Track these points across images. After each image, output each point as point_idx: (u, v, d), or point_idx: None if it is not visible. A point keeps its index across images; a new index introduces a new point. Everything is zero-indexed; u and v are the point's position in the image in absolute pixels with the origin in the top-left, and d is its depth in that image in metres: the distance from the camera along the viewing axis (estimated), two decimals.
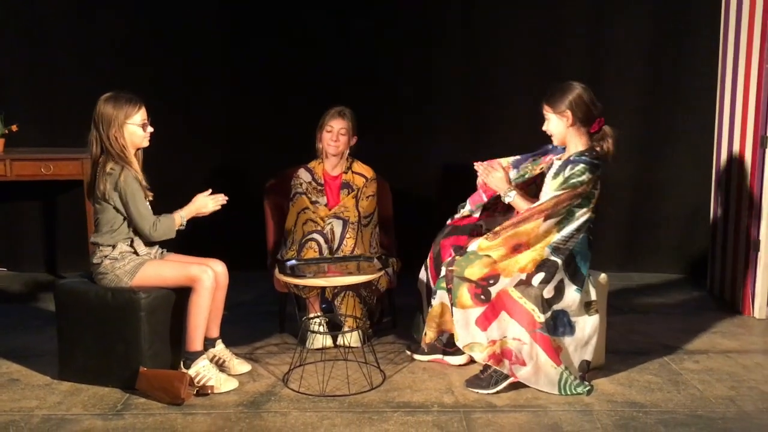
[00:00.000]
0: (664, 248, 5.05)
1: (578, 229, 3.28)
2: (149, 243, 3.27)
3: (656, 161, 4.95)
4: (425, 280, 3.54)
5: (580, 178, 3.21)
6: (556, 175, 3.29)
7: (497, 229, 3.31)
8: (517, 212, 3.38)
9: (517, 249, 3.27)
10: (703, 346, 3.77)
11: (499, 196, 3.46)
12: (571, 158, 3.27)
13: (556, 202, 3.22)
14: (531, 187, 3.49)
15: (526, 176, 3.46)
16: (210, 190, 3.36)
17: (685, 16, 4.76)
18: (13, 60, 4.82)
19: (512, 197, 3.38)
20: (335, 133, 3.87)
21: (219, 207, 3.34)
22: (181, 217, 3.28)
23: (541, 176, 3.44)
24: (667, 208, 5.00)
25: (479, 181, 3.50)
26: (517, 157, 3.53)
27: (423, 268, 3.57)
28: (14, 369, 3.43)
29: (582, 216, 3.28)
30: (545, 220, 3.22)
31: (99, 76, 4.62)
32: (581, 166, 3.23)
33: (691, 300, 4.55)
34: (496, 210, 3.57)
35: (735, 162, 4.34)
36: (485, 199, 3.50)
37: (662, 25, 4.80)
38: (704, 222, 4.79)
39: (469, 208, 3.54)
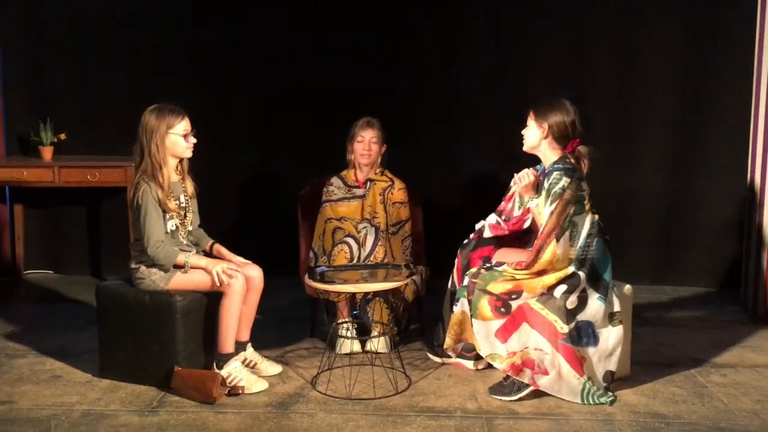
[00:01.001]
0: (697, 262, 5.03)
1: (589, 235, 3.31)
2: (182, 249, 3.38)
3: (689, 174, 4.94)
4: (451, 289, 3.61)
5: (559, 185, 3.27)
6: (540, 191, 3.37)
7: (523, 264, 3.32)
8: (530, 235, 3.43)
9: (541, 273, 3.32)
10: (732, 360, 3.76)
11: (517, 232, 3.52)
12: (546, 170, 3.36)
13: (555, 217, 3.27)
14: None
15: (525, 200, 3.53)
16: (228, 265, 3.36)
17: (718, 28, 4.77)
18: (64, 72, 5.05)
19: (535, 204, 3.43)
20: (367, 143, 3.97)
21: (222, 280, 3.28)
22: (187, 259, 3.32)
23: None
24: (701, 221, 4.98)
25: (514, 188, 3.51)
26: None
27: (450, 279, 3.65)
28: (57, 366, 3.60)
29: (584, 221, 3.31)
30: (557, 240, 3.26)
31: (144, 88, 4.79)
32: (555, 174, 3.29)
33: (724, 314, 4.52)
34: (512, 245, 3.62)
35: None
36: (506, 232, 3.57)
37: (694, 38, 4.81)
38: (738, 235, 4.77)
39: (489, 233, 3.60)
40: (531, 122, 3.41)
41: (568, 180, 3.27)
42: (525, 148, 3.46)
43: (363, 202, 3.99)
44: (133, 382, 3.38)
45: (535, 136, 3.39)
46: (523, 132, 3.45)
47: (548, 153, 3.39)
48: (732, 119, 4.79)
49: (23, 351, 3.78)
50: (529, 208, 3.45)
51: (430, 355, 3.70)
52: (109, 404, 3.20)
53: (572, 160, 3.36)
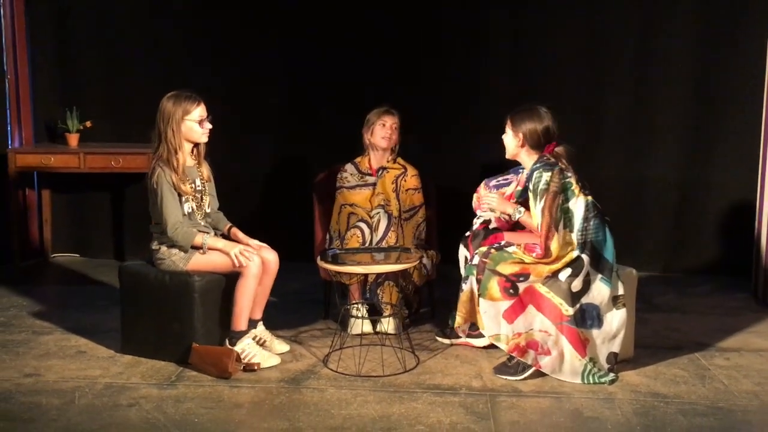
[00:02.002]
0: (709, 249, 5.08)
1: (585, 219, 3.38)
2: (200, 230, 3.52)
3: (702, 162, 4.99)
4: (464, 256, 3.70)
5: (542, 181, 3.37)
6: (525, 193, 3.49)
7: (533, 249, 3.44)
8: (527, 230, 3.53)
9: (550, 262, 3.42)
10: (736, 344, 3.82)
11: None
12: (527, 173, 3.49)
13: (547, 211, 3.35)
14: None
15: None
16: (242, 248, 3.45)
17: (732, 19, 4.81)
18: (89, 62, 5.21)
19: (522, 213, 3.52)
20: (389, 127, 4.07)
21: (240, 261, 3.40)
22: (204, 240, 3.45)
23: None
24: (713, 209, 5.03)
25: (491, 209, 3.62)
26: (492, 183, 3.74)
27: (461, 246, 3.74)
28: (82, 343, 3.77)
29: (577, 205, 3.38)
30: (556, 230, 3.36)
31: (168, 78, 4.93)
32: (535, 173, 3.41)
33: (733, 301, 4.58)
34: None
35: None
36: (509, 225, 3.67)
37: (707, 30, 4.85)
38: (751, 223, 4.81)
39: (494, 224, 3.70)
40: (508, 130, 3.54)
41: (549, 173, 3.37)
42: (507, 156, 3.58)
43: (374, 189, 4.09)
44: (153, 358, 3.53)
45: (512, 145, 3.53)
46: (502, 137, 3.57)
47: (527, 159, 3.52)
48: (744, 108, 4.83)
49: (50, 328, 3.96)
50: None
51: (438, 338, 3.80)
52: (131, 378, 3.36)
53: (551, 159, 3.45)
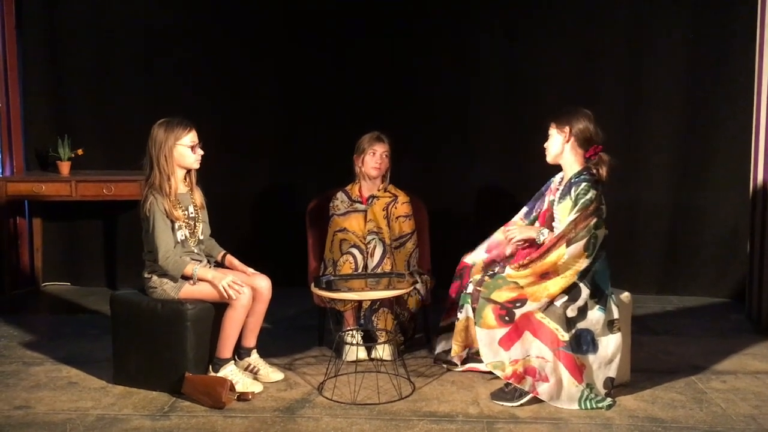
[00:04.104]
0: (703, 272, 5.09)
1: (600, 249, 3.40)
2: (193, 258, 3.50)
3: (695, 185, 5.02)
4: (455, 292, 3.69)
5: (587, 196, 3.35)
6: (562, 198, 3.44)
7: (524, 261, 3.44)
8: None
9: (544, 277, 3.39)
10: (733, 367, 3.81)
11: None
12: (572, 180, 3.42)
13: (574, 225, 3.35)
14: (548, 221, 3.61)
15: (540, 212, 3.62)
16: (233, 279, 3.44)
17: (722, 40, 4.86)
18: (80, 90, 5.21)
19: (545, 234, 3.50)
20: (379, 156, 4.06)
21: (225, 294, 3.38)
22: (195, 270, 3.42)
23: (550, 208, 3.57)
24: (707, 231, 5.05)
25: (515, 241, 3.61)
26: (525, 209, 3.72)
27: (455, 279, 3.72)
28: (73, 373, 3.72)
29: (602, 236, 3.40)
30: (567, 245, 3.34)
31: (158, 104, 4.93)
32: (584, 184, 3.37)
33: (728, 323, 4.57)
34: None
35: None
36: (507, 254, 3.67)
37: (697, 54, 4.90)
38: (744, 245, 4.81)
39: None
40: (552, 131, 3.50)
41: (596, 192, 3.37)
42: (549, 160, 3.54)
43: (365, 216, 4.07)
44: (145, 388, 3.48)
45: (557, 143, 3.47)
46: (545, 145, 3.53)
47: (571, 160, 3.46)
48: (735, 131, 4.87)
49: (41, 359, 3.91)
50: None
51: (446, 366, 3.71)
52: (123, 409, 3.31)
53: (594, 171, 3.43)
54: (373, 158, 4.05)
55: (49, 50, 5.20)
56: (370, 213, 4.06)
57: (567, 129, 3.44)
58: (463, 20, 5.06)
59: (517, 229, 3.60)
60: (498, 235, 3.72)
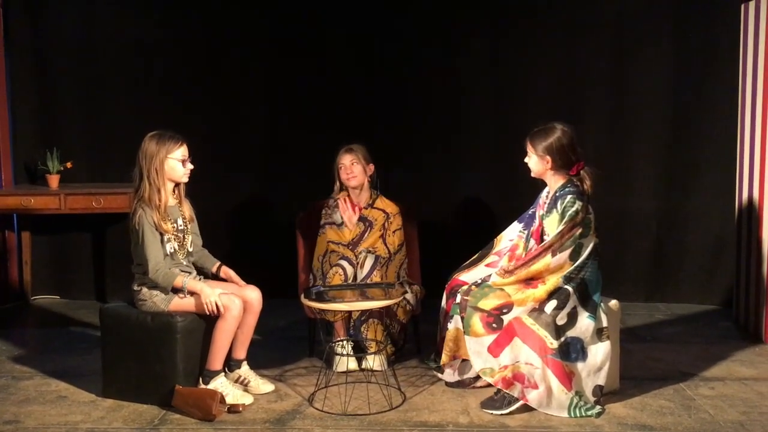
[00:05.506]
0: (690, 279, 5.13)
1: (588, 257, 3.43)
2: (182, 270, 3.51)
3: (681, 193, 5.06)
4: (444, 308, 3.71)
5: (573, 208, 3.39)
6: (549, 212, 3.48)
7: (510, 267, 3.48)
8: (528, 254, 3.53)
9: (530, 284, 3.43)
10: (720, 373, 3.83)
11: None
12: (557, 193, 3.47)
13: (560, 236, 3.39)
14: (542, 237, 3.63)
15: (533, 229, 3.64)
16: (220, 293, 3.43)
17: (706, 52, 4.92)
18: (70, 103, 5.21)
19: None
20: (348, 167, 4.10)
21: (213, 311, 3.38)
22: (185, 282, 3.42)
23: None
24: (694, 239, 5.09)
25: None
26: (519, 224, 3.73)
27: (444, 297, 3.74)
28: (63, 387, 3.70)
29: (589, 243, 3.43)
30: (553, 255, 3.39)
31: (147, 117, 4.94)
32: (569, 197, 3.41)
33: (716, 330, 4.60)
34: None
35: (757, 192, 4.42)
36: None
37: (683, 62, 4.95)
38: (731, 252, 4.85)
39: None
40: (531, 153, 3.52)
41: (581, 204, 3.41)
42: (533, 175, 3.58)
43: (361, 233, 4.08)
44: (135, 401, 3.47)
45: (539, 167, 3.52)
46: (525, 160, 3.56)
47: (554, 178, 3.52)
48: (720, 140, 4.92)
49: (30, 373, 3.89)
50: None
51: (439, 375, 3.70)
52: (112, 422, 3.30)
53: (578, 183, 3.47)
54: (344, 170, 4.10)
55: (37, 63, 5.20)
56: (369, 239, 4.07)
57: (547, 158, 3.47)
58: (452, 30, 5.10)
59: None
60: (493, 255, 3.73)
